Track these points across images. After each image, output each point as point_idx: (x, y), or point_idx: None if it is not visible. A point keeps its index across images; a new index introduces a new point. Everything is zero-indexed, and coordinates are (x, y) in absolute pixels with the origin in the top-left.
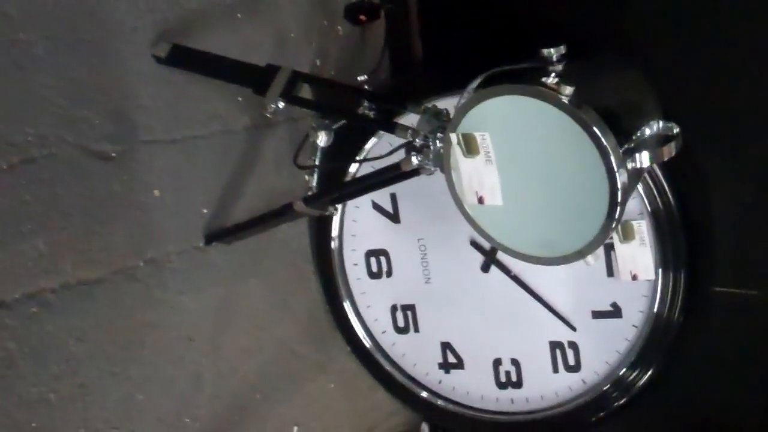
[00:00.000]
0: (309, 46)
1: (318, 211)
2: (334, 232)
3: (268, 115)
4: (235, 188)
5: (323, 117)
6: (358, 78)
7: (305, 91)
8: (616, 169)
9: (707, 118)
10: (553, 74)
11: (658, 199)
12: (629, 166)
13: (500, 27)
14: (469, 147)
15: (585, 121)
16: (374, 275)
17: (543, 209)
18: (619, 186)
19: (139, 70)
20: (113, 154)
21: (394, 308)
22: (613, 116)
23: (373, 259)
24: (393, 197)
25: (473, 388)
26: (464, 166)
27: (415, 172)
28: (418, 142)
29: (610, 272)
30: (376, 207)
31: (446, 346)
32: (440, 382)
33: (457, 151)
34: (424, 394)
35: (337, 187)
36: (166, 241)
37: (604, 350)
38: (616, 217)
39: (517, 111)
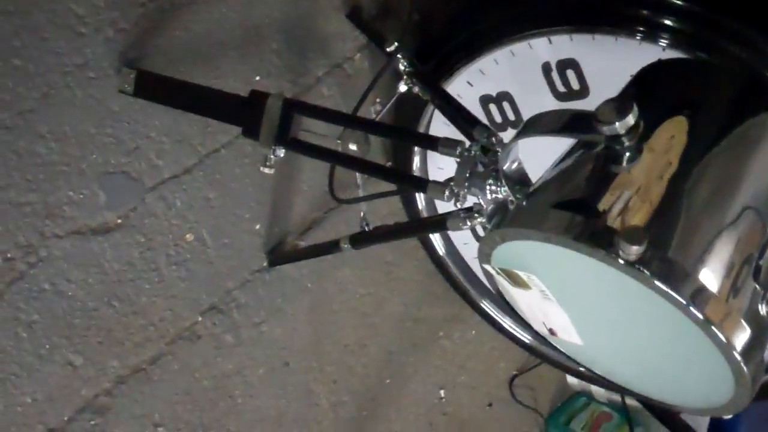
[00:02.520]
0: None
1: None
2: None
3: (266, 171)
4: (287, 186)
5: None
6: (387, 49)
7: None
8: (740, 360)
9: None
10: (626, 156)
11: None
12: (764, 310)
13: None
14: (515, 280)
15: (673, 298)
16: None
17: (645, 359)
18: (745, 370)
19: (110, 110)
20: (118, 221)
21: None
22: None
23: None
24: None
25: None
26: (517, 293)
27: None
28: (458, 204)
29: None
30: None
31: None
32: None
33: (501, 280)
34: None
35: (380, 234)
36: (221, 280)
37: None
38: (752, 390)
39: (566, 254)
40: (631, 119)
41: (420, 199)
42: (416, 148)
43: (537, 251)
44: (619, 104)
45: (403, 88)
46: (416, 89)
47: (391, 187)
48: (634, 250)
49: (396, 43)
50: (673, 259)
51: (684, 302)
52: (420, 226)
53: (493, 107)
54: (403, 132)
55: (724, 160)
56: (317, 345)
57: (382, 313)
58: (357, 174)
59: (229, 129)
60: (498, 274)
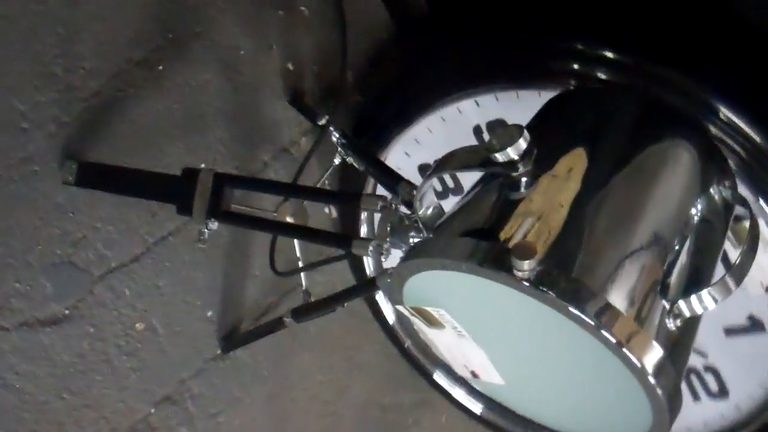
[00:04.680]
0: (269, 52)
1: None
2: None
3: (201, 246)
4: (238, 272)
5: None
6: (318, 123)
7: None
8: (653, 380)
9: None
10: (523, 182)
11: None
12: (672, 325)
13: None
14: (428, 319)
15: (577, 317)
16: None
17: (563, 391)
18: (658, 390)
19: (55, 203)
20: (66, 312)
21: None
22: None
23: None
24: None
25: None
26: (434, 335)
27: None
28: (384, 256)
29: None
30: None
31: None
32: None
33: (416, 321)
34: None
35: (320, 304)
36: (174, 369)
37: (753, 372)
38: (670, 414)
39: (469, 281)
40: (522, 143)
41: (368, 264)
42: (363, 223)
43: (444, 284)
44: (510, 130)
45: (337, 159)
46: (349, 159)
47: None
48: (527, 265)
49: (327, 117)
50: (576, 278)
51: (588, 320)
52: (354, 290)
53: None
54: (325, 193)
55: (627, 185)
56: None
57: (346, 401)
58: (296, 245)
59: (176, 216)
60: (411, 315)
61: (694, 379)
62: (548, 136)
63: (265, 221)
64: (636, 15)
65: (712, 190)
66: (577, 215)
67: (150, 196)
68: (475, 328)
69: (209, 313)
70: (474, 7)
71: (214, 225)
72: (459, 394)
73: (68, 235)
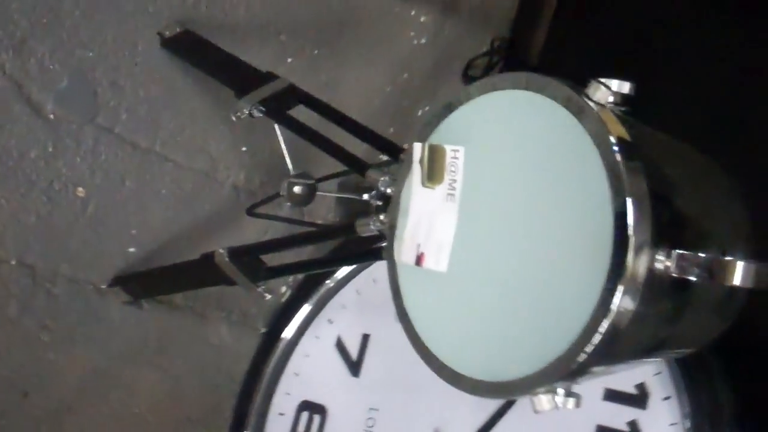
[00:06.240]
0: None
1: (245, 280)
2: (272, 361)
3: (233, 118)
4: (188, 244)
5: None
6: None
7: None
8: (629, 256)
9: None
10: None
11: None
12: (658, 265)
13: None
14: (433, 170)
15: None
16: None
17: (501, 292)
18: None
19: (134, 46)
20: (51, 116)
21: None
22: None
23: (304, 415)
24: (364, 339)
25: None
26: (416, 203)
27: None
28: (373, 199)
29: None
30: (339, 346)
31: None
32: None
33: (414, 177)
34: None
35: (268, 245)
36: (61, 256)
37: None
38: (592, 347)
39: (520, 124)
40: (626, 86)
41: None
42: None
43: (492, 123)
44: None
45: None
46: None
47: None
48: (602, 97)
49: None
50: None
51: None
52: (323, 233)
53: None
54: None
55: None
56: (69, 409)
57: None
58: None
59: (205, 158)
60: (420, 161)
61: None
62: None
63: (308, 129)
64: None
65: None
66: None
67: (221, 78)
68: (473, 187)
69: (131, 249)
70: None
71: (257, 112)
72: None
73: (113, 75)
